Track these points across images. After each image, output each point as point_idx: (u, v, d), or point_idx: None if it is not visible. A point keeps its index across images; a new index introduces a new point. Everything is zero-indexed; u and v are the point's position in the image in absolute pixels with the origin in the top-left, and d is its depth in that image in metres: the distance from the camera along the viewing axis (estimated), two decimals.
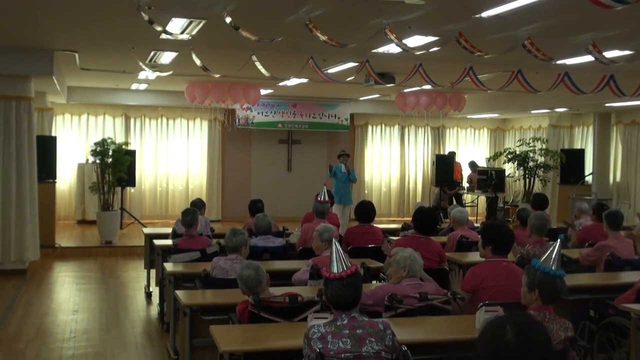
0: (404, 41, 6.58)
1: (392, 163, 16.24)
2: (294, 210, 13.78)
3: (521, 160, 13.24)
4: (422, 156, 16.40)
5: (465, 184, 14.97)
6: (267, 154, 15.32)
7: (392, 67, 9.35)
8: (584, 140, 14.53)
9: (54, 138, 11.97)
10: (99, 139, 12.03)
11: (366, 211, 7.09)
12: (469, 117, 16.11)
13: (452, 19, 6.12)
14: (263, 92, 13.00)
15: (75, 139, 14.28)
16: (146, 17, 5.57)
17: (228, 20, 5.68)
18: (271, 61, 8.37)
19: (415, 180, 16.38)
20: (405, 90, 12.59)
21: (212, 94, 12.02)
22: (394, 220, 14.89)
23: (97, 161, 11.33)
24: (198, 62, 7.76)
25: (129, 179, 12.52)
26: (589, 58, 7.15)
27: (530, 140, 13.67)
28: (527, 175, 13.31)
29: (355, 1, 5.58)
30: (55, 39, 8.07)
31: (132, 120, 14.61)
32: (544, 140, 14.02)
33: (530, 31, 6.36)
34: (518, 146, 13.90)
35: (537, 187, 13.79)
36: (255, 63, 7.83)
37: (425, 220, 6.09)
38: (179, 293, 4.77)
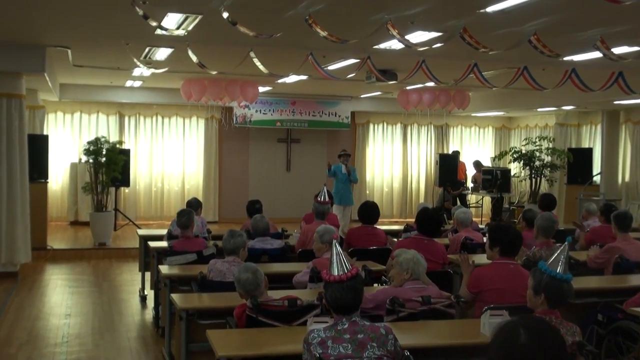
0: (407, 37, 6.58)
1: (394, 162, 16.24)
2: (293, 211, 13.78)
3: (527, 159, 13.23)
4: (425, 155, 16.40)
5: (470, 184, 14.97)
6: (266, 153, 15.32)
7: (394, 63, 9.35)
8: (592, 139, 14.53)
9: (46, 137, 11.96)
10: (92, 137, 12.02)
11: (370, 212, 7.09)
12: (473, 115, 16.11)
13: (456, 14, 6.12)
14: (261, 89, 13.00)
15: (68, 138, 14.28)
16: (141, 12, 5.57)
17: (225, 15, 5.68)
18: (270, 57, 8.37)
19: (418, 180, 16.38)
20: (408, 88, 12.59)
21: (209, 91, 12.02)
22: (396, 222, 14.87)
23: (90, 160, 11.32)
24: (194, 58, 7.76)
25: (123, 178, 12.52)
26: (597, 54, 7.16)
27: (537, 139, 13.66)
28: (533, 175, 13.30)
29: None
30: (47, 34, 8.07)
31: (126, 119, 14.61)
32: (551, 139, 14.02)
33: (537, 27, 6.36)
34: (524, 145, 13.89)
35: (544, 187, 13.79)
36: (253, 59, 7.83)
37: (429, 221, 6.10)
38: (175, 296, 4.77)
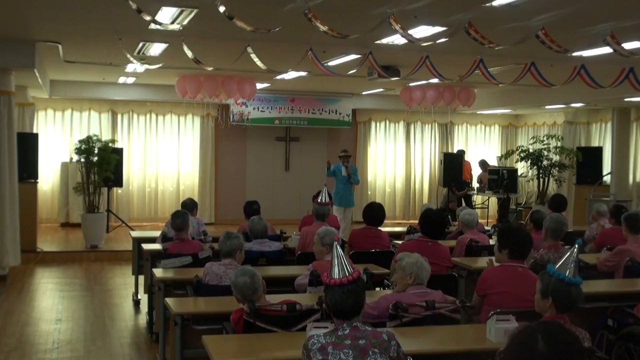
0: (410, 31, 6.58)
1: (397, 162, 16.24)
2: (292, 213, 13.79)
3: (535, 159, 13.23)
4: (428, 154, 16.41)
5: (475, 185, 14.97)
6: (264, 153, 15.32)
7: (397, 59, 9.35)
8: (602, 138, 14.53)
9: (36, 135, 11.97)
10: (83, 136, 12.02)
11: (375, 214, 7.11)
12: (479, 112, 16.11)
13: (461, 7, 6.12)
14: (259, 86, 13.00)
15: (59, 136, 14.28)
16: (134, 6, 5.57)
17: (222, 9, 5.68)
18: (268, 53, 8.37)
19: (421, 180, 16.39)
20: (411, 84, 12.59)
21: (205, 88, 12.02)
22: (399, 223, 14.86)
23: (82, 160, 11.32)
24: (189, 54, 7.76)
25: (116, 179, 12.51)
26: (607, 50, 7.15)
27: (545, 138, 13.66)
28: (541, 175, 13.30)
29: None
30: (37, 29, 8.07)
31: (119, 116, 14.61)
32: (559, 137, 14.02)
33: (545, 21, 6.36)
34: (531, 144, 13.89)
35: (552, 187, 13.79)
36: (251, 55, 7.83)
37: (433, 223, 6.10)
38: (169, 301, 4.77)
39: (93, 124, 14.35)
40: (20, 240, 9.41)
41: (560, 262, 3.45)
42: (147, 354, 6.25)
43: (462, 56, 8.36)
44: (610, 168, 13.38)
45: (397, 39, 7.47)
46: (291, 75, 10.91)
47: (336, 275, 3.18)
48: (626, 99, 11.64)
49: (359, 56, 8.63)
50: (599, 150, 13.90)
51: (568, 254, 3.44)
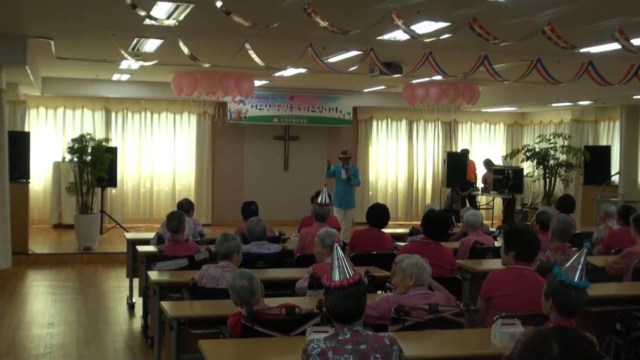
0: (412, 27, 6.58)
1: (399, 161, 16.25)
2: (291, 214, 13.79)
3: (541, 158, 13.23)
4: (432, 154, 16.41)
5: (480, 185, 14.97)
6: (262, 152, 15.32)
7: (399, 55, 9.35)
8: (610, 136, 14.53)
9: (27, 134, 11.97)
10: (76, 134, 12.03)
11: (379, 216, 7.11)
12: (483, 110, 16.11)
13: (465, 2, 6.12)
14: (257, 83, 13.00)
15: (51, 135, 14.28)
16: (129, 1, 5.57)
17: (218, 4, 5.68)
18: (266, 49, 8.37)
19: (424, 180, 16.39)
20: (414, 82, 12.59)
21: (201, 85, 12.02)
22: (402, 225, 14.86)
23: (75, 159, 11.32)
24: (186, 50, 7.76)
25: (110, 178, 12.52)
26: (615, 46, 7.15)
27: (551, 137, 13.65)
28: (547, 175, 13.30)
29: None
30: (29, 24, 8.07)
31: (113, 115, 14.61)
32: (566, 136, 14.02)
33: (551, 16, 6.36)
34: (537, 143, 13.88)
35: (559, 187, 13.79)
36: (249, 51, 7.83)
37: (436, 224, 6.10)
38: (165, 304, 4.77)
39: (86, 122, 14.34)
40: (12, 242, 9.42)
41: (567, 265, 3.45)
42: (142, 359, 6.25)
43: (466, 52, 8.36)
44: (618, 168, 13.38)
45: (400, 35, 7.47)
46: (290, 72, 10.91)
47: (336, 278, 3.18)
48: (635, 97, 11.64)
49: (360, 52, 8.63)
50: (607, 150, 13.90)
51: (575, 256, 3.44)
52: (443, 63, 8.45)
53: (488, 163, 15.00)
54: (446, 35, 6.90)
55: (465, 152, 14.88)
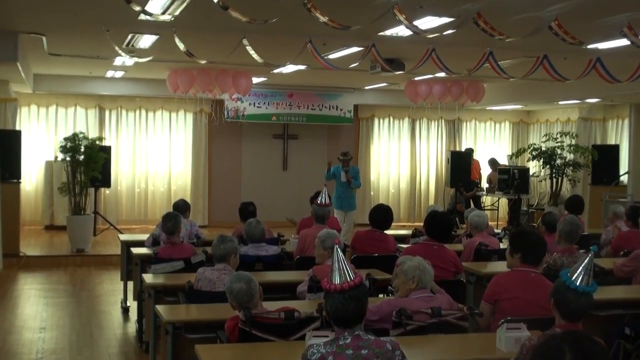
0: (415, 23, 6.57)
1: (401, 161, 16.25)
2: (290, 215, 13.77)
3: (547, 157, 13.23)
4: (435, 153, 16.41)
5: (485, 185, 14.97)
6: (260, 151, 15.33)
7: (401, 52, 9.35)
8: (619, 135, 14.53)
9: (18, 132, 11.97)
10: (69, 133, 12.02)
11: (382, 217, 7.12)
12: (488, 108, 16.11)
13: None
14: (255, 80, 13.00)
15: (43, 134, 14.29)
16: None
17: None
18: (264, 45, 8.37)
19: (427, 180, 16.39)
20: (417, 79, 12.59)
21: (198, 82, 12.02)
22: (404, 226, 14.87)
23: (68, 159, 11.32)
24: (181, 46, 7.76)
25: (104, 178, 12.52)
26: (624, 42, 7.15)
27: (558, 135, 13.66)
28: (554, 175, 13.30)
29: None
30: (20, 19, 8.06)
31: (106, 113, 14.61)
32: (574, 135, 14.01)
33: (558, 11, 6.36)
34: (544, 142, 13.88)
35: (566, 188, 13.79)
36: (247, 47, 7.82)
37: (439, 225, 6.10)
38: (160, 308, 4.77)
39: (79, 121, 14.34)
40: (2, 244, 9.42)
41: (573, 268, 3.45)
42: None
43: (470, 49, 8.35)
44: (627, 167, 13.38)
45: (402, 31, 7.47)
46: (289, 68, 10.91)
47: (336, 281, 3.18)
48: None
49: (361, 49, 8.63)
50: (615, 149, 13.90)
51: (583, 259, 3.44)
52: (446, 59, 8.45)
53: (493, 162, 15.00)
54: (450, 31, 6.89)
55: (470, 152, 14.88)
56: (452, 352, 3.99)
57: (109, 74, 12.97)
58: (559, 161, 13.23)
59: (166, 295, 5.56)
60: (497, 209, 15.12)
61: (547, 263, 5.75)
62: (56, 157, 12.42)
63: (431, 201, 15.89)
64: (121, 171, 14.63)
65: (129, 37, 8.59)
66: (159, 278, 5.82)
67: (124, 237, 8.70)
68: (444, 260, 5.83)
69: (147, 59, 9.45)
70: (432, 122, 16.39)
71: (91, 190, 12.41)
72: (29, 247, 11.54)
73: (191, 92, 12.37)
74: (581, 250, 5.90)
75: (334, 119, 15.25)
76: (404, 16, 6.13)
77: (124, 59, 10.08)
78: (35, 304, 8.55)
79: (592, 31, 7.25)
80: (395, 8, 6.04)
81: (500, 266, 5.91)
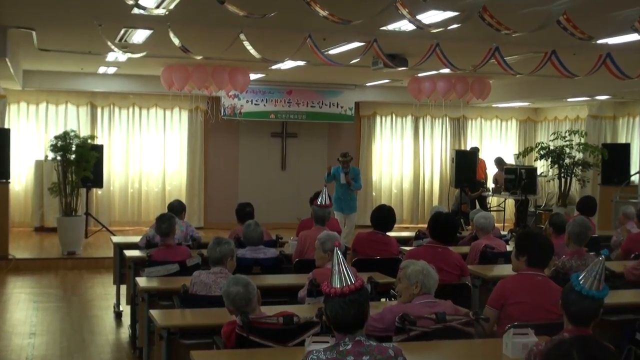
0: (418, 17, 6.57)
1: (404, 160, 16.25)
2: (289, 216, 13.77)
3: (556, 156, 13.23)
4: (439, 152, 16.41)
5: (490, 185, 14.98)
6: (258, 150, 15.32)
7: (404, 47, 9.36)
8: (630, 133, 14.53)
9: (7, 131, 11.96)
10: (60, 131, 12.02)
11: (384, 218, 7.12)
12: (494, 106, 16.11)
13: None
14: (252, 76, 13.00)
15: (32, 132, 14.28)
16: None
17: None
18: (262, 40, 8.37)
19: (431, 180, 16.39)
20: (420, 75, 12.59)
21: (193, 79, 12.02)
22: (407, 228, 14.88)
23: (58, 158, 11.32)
24: (176, 41, 7.76)
25: (96, 178, 12.51)
26: (635, 37, 7.16)
27: (567, 134, 13.66)
28: (562, 175, 13.31)
29: None
30: (9, 13, 8.06)
31: (99, 110, 14.61)
32: (583, 133, 14.01)
33: (567, 5, 6.36)
34: (552, 140, 13.89)
35: (575, 188, 13.79)
36: (244, 43, 7.83)
37: (444, 227, 6.10)
38: (154, 313, 4.78)
39: (70, 119, 14.34)
40: None
41: (585, 271, 3.45)
42: None
43: (476, 44, 8.36)
44: (638, 167, 13.38)
45: (405, 25, 7.47)
46: (288, 64, 10.91)
47: (337, 285, 3.18)
48: None
49: (362, 44, 8.63)
50: (626, 147, 13.90)
51: (593, 263, 3.44)
52: (451, 55, 8.45)
53: (499, 162, 15.00)
54: (454, 26, 6.89)
55: (475, 150, 14.88)
56: (457, 359, 3.99)
57: (101, 70, 12.97)
58: (567, 160, 13.24)
59: (160, 299, 5.57)
60: (504, 210, 15.12)
61: (556, 266, 5.75)
62: (46, 157, 12.42)
63: (435, 202, 15.89)
64: (114, 171, 14.62)
65: (122, 31, 8.59)
66: (153, 282, 5.82)
67: (116, 239, 8.70)
68: (448, 263, 5.83)
69: (141, 54, 9.45)
70: (436, 120, 16.38)
71: (83, 190, 12.40)
72: (18, 250, 11.54)
73: (186, 88, 12.37)
74: (591, 253, 5.90)
75: (335, 117, 15.25)
76: (407, 10, 6.13)
77: (116, 55, 10.08)
78: (24, 309, 8.55)
79: (602, 26, 7.25)
80: (398, 2, 6.04)
81: (506, 269, 5.89)
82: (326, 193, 7.19)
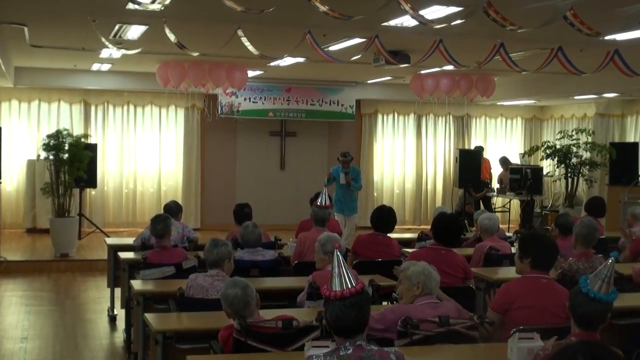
0: (421, 12, 6.58)
1: (406, 160, 16.25)
2: (288, 217, 13.78)
3: (562, 156, 13.24)
4: (442, 151, 16.42)
5: (495, 185, 14.98)
6: (256, 149, 15.33)
7: (406, 43, 9.36)
8: (638, 132, 14.53)
9: None
10: (52, 130, 12.03)
11: (384, 219, 7.12)
12: (499, 104, 16.12)
13: None
14: (251, 73, 13.00)
15: (24, 131, 14.28)
16: None
17: None
18: (261, 37, 8.37)
19: (434, 180, 16.39)
20: (423, 72, 12.59)
21: (190, 76, 12.02)
22: (409, 229, 14.89)
23: (51, 157, 11.33)
24: (172, 37, 7.76)
25: (89, 178, 12.51)
26: None
27: (573, 132, 13.67)
28: (569, 175, 13.31)
29: None
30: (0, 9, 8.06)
31: (92, 108, 14.61)
32: (590, 131, 14.02)
33: (573, 0, 6.36)
34: (558, 139, 13.90)
35: (582, 188, 13.79)
36: (242, 39, 7.83)
37: (447, 228, 6.11)
38: (149, 316, 4.78)
39: (63, 117, 14.34)
40: None
41: (593, 274, 3.45)
42: None
43: (480, 40, 8.36)
44: None
45: (407, 21, 7.47)
46: (287, 61, 10.92)
47: (337, 288, 3.18)
48: None
49: (363, 40, 8.63)
50: (634, 147, 13.88)
51: (603, 265, 3.44)
52: (455, 52, 8.45)
53: (504, 161, 15.00)
54: (458, 21, 6.89)
55: (479, 150, 14.87)
56: None
57: (95, 67, 12.97)
58: (574, 160, 13.24)
59: (156, 302, 5.56)
60: (509, 211, 15.12)
61: (562, 268, 5.75)
62: (38, 156, 12.43)
63: (438, 202, 15.89)
64: (108, 171, 14.62)
65: (117, 27, 8.59)
66: (148, 284, 5.82)
67: (110, 240, 8.70)
68: (452, 266, 5.84)
69: (136, 51, 9.45)
70: (439, 119, 16.38)
71: (76, 190, 12.39)
72: (10, 252, 11.54)
73: (182, 86, 12.37)
74: (599, 255, 5.90)
75: (335, 115, 15.24)
76: (409, 5, 6.13)
77: (111, 51, 10.08)
78: (16, 312, 8.54)
79: (610, 21, 7.25)
80: None
81: (512, 272, 5.89)
82: (326, 193, 7.19)
